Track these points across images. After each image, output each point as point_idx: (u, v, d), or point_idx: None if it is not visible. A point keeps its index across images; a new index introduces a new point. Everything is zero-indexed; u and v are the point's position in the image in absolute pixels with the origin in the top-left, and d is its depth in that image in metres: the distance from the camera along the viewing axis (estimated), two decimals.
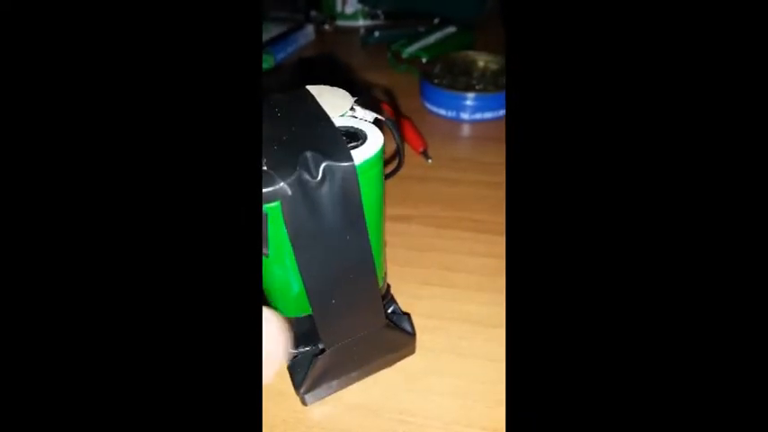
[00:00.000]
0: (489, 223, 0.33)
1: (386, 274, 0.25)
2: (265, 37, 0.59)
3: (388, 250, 0.31)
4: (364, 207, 0.18)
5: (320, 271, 0.18)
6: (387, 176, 0.27)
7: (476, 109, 0.44)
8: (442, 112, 0.46)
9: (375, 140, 0.17)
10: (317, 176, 0.16)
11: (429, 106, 0.47)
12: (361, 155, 0.17)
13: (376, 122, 0.19)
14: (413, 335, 0.25)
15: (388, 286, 0.26)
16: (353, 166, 0.16)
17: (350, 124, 0.18)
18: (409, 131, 0.40)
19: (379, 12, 0.68)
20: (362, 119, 0.19)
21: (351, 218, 0.17)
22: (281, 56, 0.59)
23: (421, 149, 0.39)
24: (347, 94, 0.20)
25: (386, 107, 0.42)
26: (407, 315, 0.25)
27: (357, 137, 0.18)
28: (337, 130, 0.17)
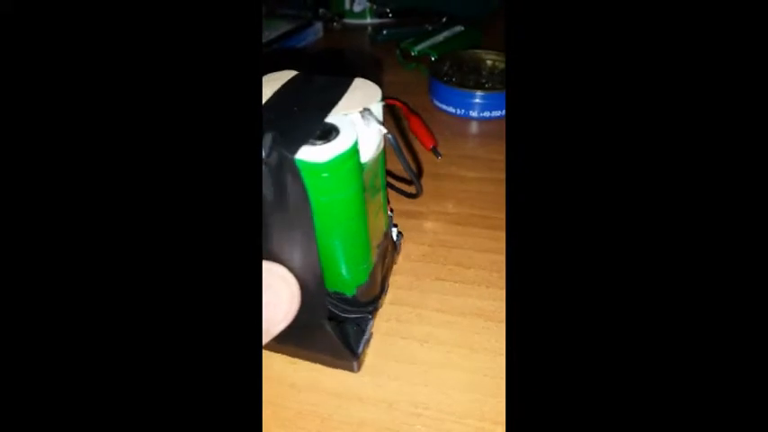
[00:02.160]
0: (500, 220, 0.33)
1: (378, 279, 0.24)
2: (274, 34, 0.59)
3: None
4: (332, 204, 0.18)
5: (269, 249, 0.18)
6: (411, 195, 0.27)
7: (484, 107, 0.45)
8: (451, 109, 0.46)
9: (344, 141, 0.17)
10: (267, 157, 0.16)
11: (438, 104, 0.47)
12: (322, 152, 0.17)
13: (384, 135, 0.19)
14: (354, 354, 0.23)
15: (381, 293, 0.26)
16: (293, 160, 0.16)
17: (335, 121, 0.18)
18: (420, 128, 0.40)
19: (387, 10, 0.68)
20: (354, 121, 0.18)
21: (297, 208, 0.17)
22: None
23: (431, 146, 0.40)
24: (379, 95, 0.20)
25: (402, 106, 0.43)
26: (368, 336, 0.24)
27: (331, 134, 0.18)
28: (319, 123, 0.17)
